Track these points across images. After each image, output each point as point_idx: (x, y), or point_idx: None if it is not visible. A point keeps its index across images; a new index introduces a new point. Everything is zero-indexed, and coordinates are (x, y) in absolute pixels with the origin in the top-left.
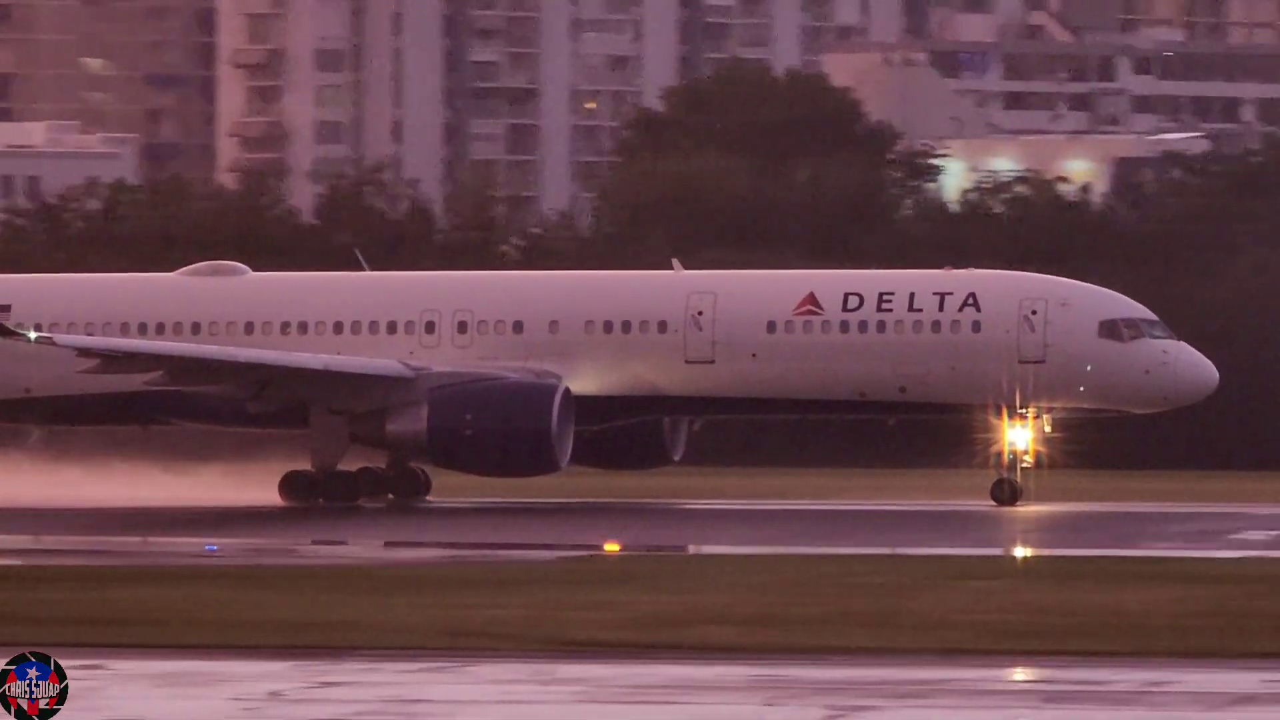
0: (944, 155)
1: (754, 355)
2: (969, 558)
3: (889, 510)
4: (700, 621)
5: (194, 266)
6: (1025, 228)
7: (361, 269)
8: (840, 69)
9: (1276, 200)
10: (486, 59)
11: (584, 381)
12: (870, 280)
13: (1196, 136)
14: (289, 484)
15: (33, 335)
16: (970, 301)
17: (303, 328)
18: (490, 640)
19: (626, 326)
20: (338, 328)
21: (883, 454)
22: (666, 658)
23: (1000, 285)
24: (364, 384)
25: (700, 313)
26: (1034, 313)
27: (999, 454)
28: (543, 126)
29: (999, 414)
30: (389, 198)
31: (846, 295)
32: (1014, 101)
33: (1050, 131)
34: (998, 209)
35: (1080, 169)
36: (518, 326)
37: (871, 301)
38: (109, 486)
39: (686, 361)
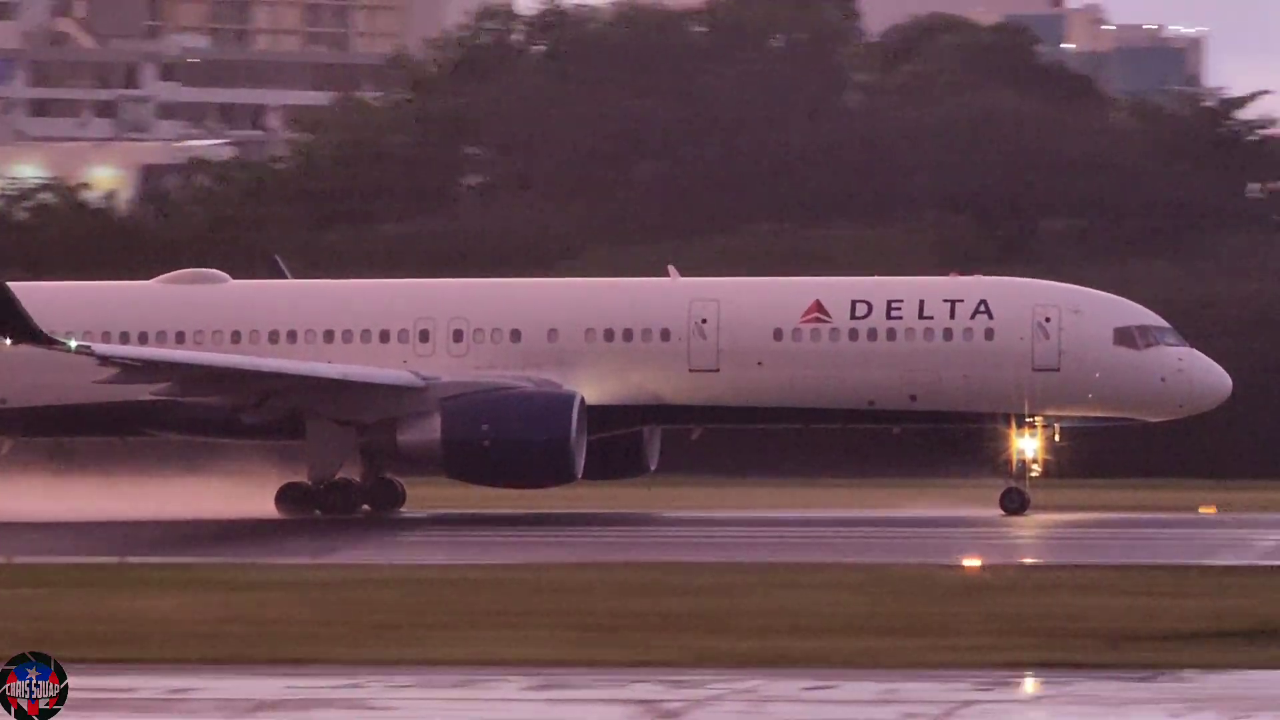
0: None
1: (760, 363)
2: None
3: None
4: None
5: (174, 274)
6: (49, 235)
7: (283, 275)
8: None
9: (297, 206)
10: None
11: (584, 391)
12: (877, 287)
13: (222, 143)
14: (286, 496)
15: (73, 344)
16: (982, 309)
17: (292, 336)
18: None
19: (628, 335)
20: (328, 336)
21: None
22: None
23: (1011, 292)
24: (375, 394)
25: (704, 320)
26: (1048, 320)
27: (1007, 463)
28: None
29: (1010, 422)
30: None
31: (854, 303)
32: (40, 108)
33: (77, 139)
34: (21, 216)
35: (106, 176)
36: (515, 335)
37: (880, 309)
38: (106, 499)
39: (690, 370)
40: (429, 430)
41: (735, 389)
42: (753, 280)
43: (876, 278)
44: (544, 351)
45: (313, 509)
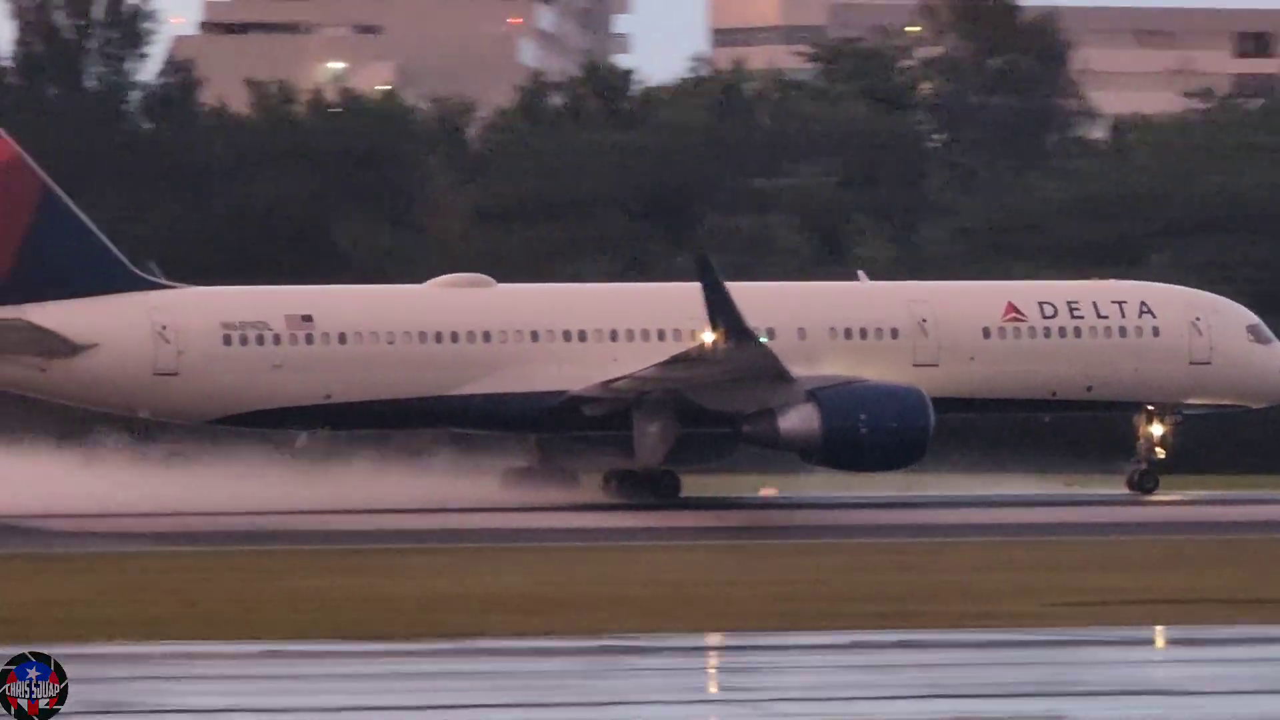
0: None
1: (972, 358)
2: None
3: None
4: None
5: (446, 278)
6: None
7: (155, 277)
8: None
9: None
10: None
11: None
12: (1053, 290)
13: None
14: (615, 482)
15: (764, 338)
16: (1145, 309)
17: (566, 336)
18: None
19: (863, 334)
20: (613, 335)
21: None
22: None
23: (1164, 295)
24: (763, 384)
25: (924, 320)
26: (1199, 319)
27: (1139, 447)
28: None
29: (1163, 411)
30: None
31: (1041, 304)
32: None
33: None
34: None
35: None
36: (769, 333)
37: (1064, 310)
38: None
39: (914, 365)
40: (808, 419)
41: (952, 382)
42: (951, 284)
43: (1047, 281)
44: (794, 348)
45: (643, 494)
